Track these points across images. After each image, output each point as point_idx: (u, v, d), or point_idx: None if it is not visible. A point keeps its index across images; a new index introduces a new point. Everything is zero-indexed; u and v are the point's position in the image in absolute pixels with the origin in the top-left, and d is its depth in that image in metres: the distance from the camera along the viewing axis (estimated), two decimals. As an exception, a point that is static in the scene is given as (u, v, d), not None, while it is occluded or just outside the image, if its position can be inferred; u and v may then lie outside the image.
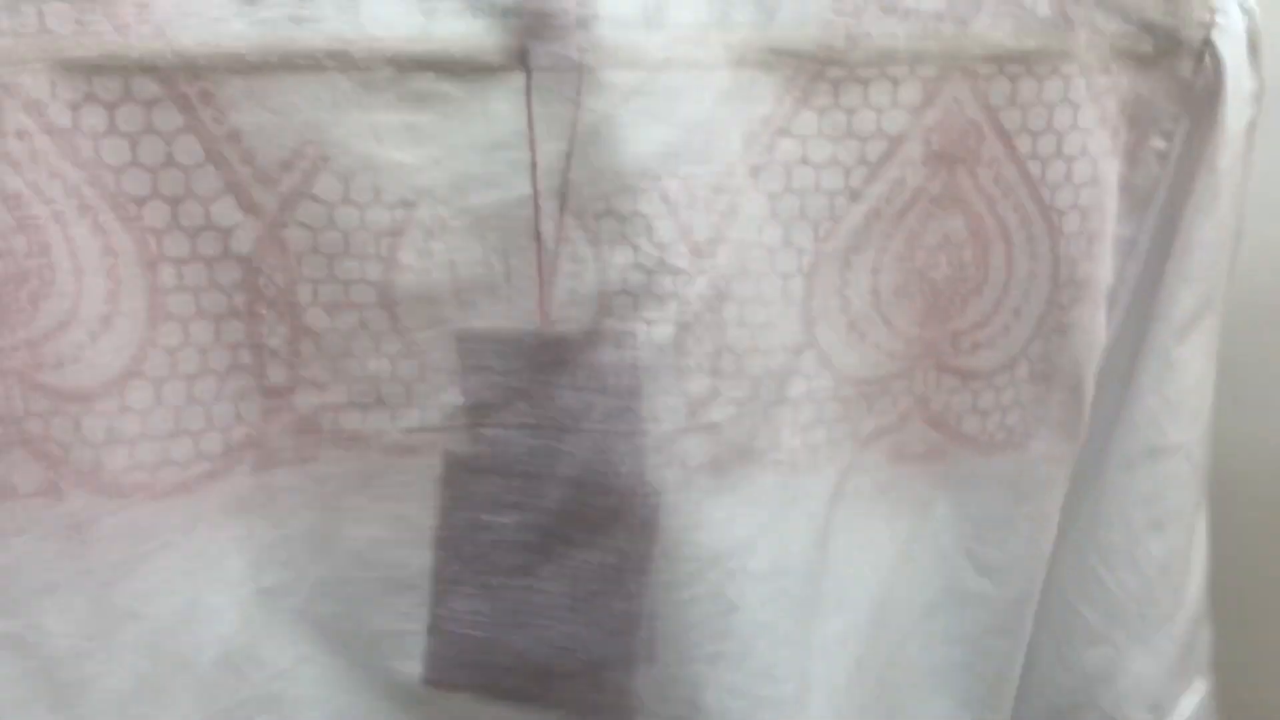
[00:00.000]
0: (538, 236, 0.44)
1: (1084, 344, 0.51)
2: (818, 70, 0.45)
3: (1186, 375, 0.53)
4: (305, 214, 0.42)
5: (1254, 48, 0.49)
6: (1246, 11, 0.48)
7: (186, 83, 0.40)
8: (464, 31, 0.41)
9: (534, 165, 0.43)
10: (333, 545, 0.47)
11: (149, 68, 0.40)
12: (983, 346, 0.51)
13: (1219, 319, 0.53)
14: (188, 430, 0.44)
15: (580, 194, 0.43)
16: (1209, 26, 0.48)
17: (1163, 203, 0.50)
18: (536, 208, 0.43)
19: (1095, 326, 0.51)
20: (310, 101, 0.40)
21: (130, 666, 0.44)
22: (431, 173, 0.42)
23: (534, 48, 0.41)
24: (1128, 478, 0.54)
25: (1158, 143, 0.49)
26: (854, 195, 0.47)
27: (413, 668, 0.48)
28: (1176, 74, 0.48)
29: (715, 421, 0.47)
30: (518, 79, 0.42)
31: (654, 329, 0.45)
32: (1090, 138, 0.48)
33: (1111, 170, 0.49)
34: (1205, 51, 0.48)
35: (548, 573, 0.47)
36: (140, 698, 0.45)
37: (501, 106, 0.42)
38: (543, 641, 0.48)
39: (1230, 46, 0.48)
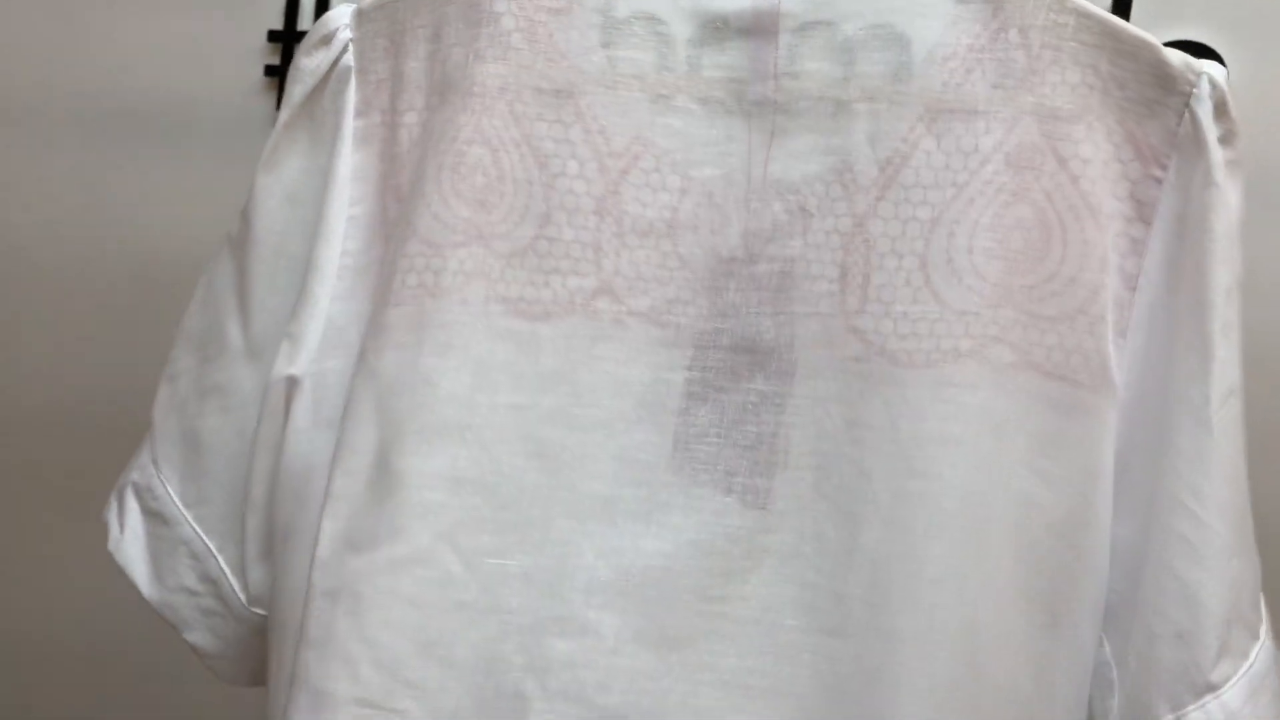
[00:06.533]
0: (744, 199, 0.71)
1: (1118, 316, 0.71)
2: (943, 109, 0.69)
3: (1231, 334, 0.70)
4: (635, 179, 0.71)
5: (1219, 106, 0.71)
6: (1214, 84, 0.71)
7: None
8: (718, 77, 0.72)
9: (748, 160, 0.71)
10: (578, 378, 0.70)
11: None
12: (1049, 298, 0.69)
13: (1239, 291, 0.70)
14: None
15: (768, 177, 0.70)
16: (1188, 95, 0.71)
17: (1165, 214, 0.71)
18: (748, 183, 0.71)
19: (1123, 303, 0.71)
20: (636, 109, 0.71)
21: None
22: (681, 154, 0.72)
23: (749, 93, 0.71)
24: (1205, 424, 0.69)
25: (1156, 171, 0.71)
26: (960, 186, 0.70)
27: None
28: (1167, 126, 0.71)
29: (857, 326, 0.69)
30: (739, 108, 0.71)
31: (804, 252, 0.70)
32: (1112, 165, 0.71)
33: (1125, 190, 0.71)
34: (1185, 111, 0.71)
35: (701, 411, 0.70)
36: None
37: (725, 121, 0.72)
38: (690, 460, 0.70)
39: (1203, 107, 0.70)
